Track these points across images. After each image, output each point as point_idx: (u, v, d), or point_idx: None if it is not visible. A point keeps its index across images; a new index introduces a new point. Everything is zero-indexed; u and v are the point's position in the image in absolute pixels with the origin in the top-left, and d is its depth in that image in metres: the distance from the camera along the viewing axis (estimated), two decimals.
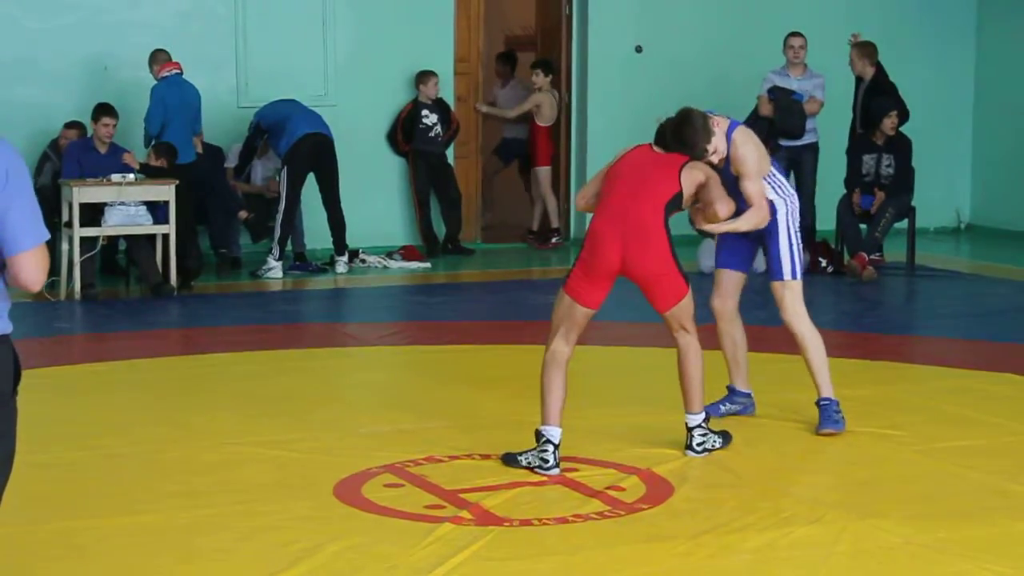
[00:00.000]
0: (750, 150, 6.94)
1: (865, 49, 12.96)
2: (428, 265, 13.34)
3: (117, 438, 7.19)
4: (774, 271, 7.15)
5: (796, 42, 12.99)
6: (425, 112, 13.82)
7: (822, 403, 7.23)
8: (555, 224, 14.54)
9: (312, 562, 5.32)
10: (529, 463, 6.53)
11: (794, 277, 7.12)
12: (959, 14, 15.81)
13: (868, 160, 12.85)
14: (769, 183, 7.07)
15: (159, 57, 12.35)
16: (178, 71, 12.31)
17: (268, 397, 8.11)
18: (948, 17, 15.76)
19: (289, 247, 12.83)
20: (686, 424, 6.80)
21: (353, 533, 5.68)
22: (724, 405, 7.49)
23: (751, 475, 6.57)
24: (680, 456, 6.78)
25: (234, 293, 11.94)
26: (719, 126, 6.88)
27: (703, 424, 6.81)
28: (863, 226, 12.79)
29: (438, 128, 13.84)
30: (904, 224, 13.06)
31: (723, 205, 6.75)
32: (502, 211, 15.44)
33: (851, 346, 9.76)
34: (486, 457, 6.75)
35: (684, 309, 6.66)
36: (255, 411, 7.74)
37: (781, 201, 7.12)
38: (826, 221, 12.88)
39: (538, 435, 6.55)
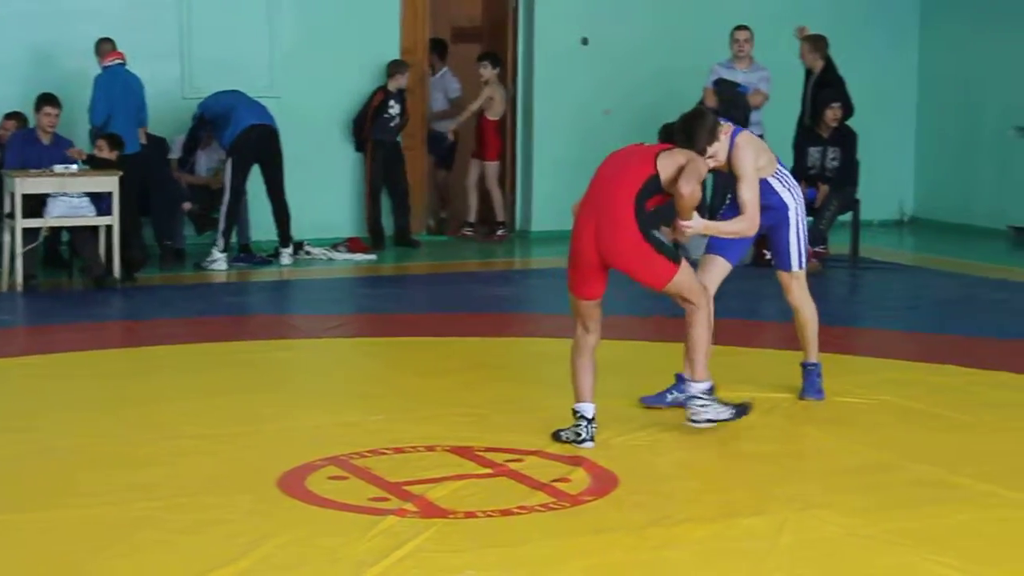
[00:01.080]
0: (748, 154, 7.22)
1: (816, 42, 13.01)
2: (374, 257, 13.31)
3: (59, 430, 7.13)
4: (784, 262, 7.66)
5: (742, 35, 13.04)
6: (391, 102, 13.79)
7: (808, 366, 7.78)
8: (500, 217, 14.51)
9: (256, 555, 5.29)
10: (567, 438, 6.80)
11: (801, 267, 7.65)
12: (903, 9, 15.92)
13: (813, 153, 12.90)
14: (779, 179, 7.48)
15: (103, 47, 12.27)
16: (121, 61, 12.23)
17: (212, 389, 8.06)
18: (892, 12, 15.86)
19: (233, 239, 12.76)
20: (688, 393, 7.03)
21: (297, 525, 5.65)
22: (671, 394, 7.56)
23: (696, 467, 6.58)
24: (625, 447, 6.79)
25: (178, 285, 11.87)
26: (725, 133, 7.17)
27: (704, 396, 6.95)
28: (808, 218, 12.82)
29: (398, 119, 13.83)
30: (848, 217, 13.13)
31: (686, 183, 6.69)
32: (445, 203, 15.34)
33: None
34: (431, 449, 6.74)
35: (680, 284, 6.83)
36: (199, 403, 7.69)
37: (790, 196, 7.54)
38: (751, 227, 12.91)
39: (573, 412, 6.81)
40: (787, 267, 7.66)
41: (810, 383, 7.77)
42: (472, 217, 14.47)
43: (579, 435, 6.76)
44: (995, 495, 6.14)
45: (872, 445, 6.97)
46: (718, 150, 7.11)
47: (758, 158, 7.28)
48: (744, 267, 11.46)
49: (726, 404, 7.02)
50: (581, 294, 6.83)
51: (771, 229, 7.60)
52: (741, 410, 7.08)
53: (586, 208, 6.81)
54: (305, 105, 13.65)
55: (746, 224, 7.19)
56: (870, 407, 7.73)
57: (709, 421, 6.95)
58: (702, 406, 6.94)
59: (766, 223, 7.49)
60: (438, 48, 15.16)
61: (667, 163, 6.75)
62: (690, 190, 6.69)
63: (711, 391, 7.00)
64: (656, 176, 6.73)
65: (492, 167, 14.38)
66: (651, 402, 7.56)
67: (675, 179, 6.73)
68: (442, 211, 15.07)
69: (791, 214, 7.55)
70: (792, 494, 6.13)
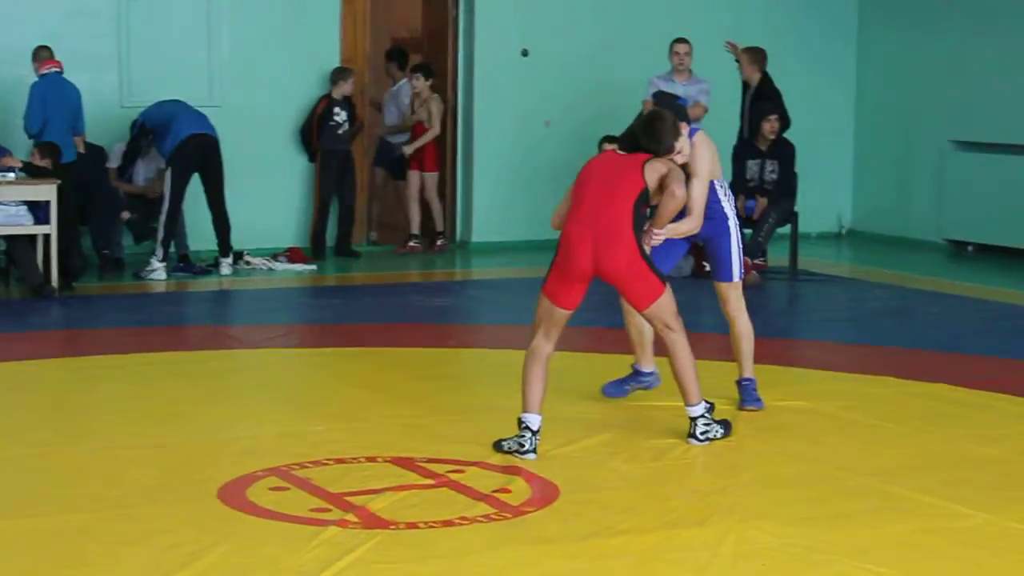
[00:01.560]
0: (705, 152, 7.45)
1: (755, 55, 13.11)
2: (314, 267, 13.28)
3: None
4: (724, 273, 7.76)
5: (681, 48, 13.11)
6: (337, 110, 13.77)
7: (744, 382, 7.87)
8: (440, 228, 14.48)
9: (197, 566, 5.28)
10: (509, 447, 6.83)
11: (740, 278, 7.77)
12: (841, 23, 16.04)
13: (752, 165, 12.99)
14: (722, 187, 7.66)
15: (40, 55, 12.19)
16: (58, 69, 12.15)
17: (152, 400, 8.03)
18: (830, 26, 15.99)
19: (172, 248, 12.71)
20: (688, 415, 7.11)
21: (238, 536, 5.64)
22: (629, 384, 7.96)
23: (637, 478, 6.61)
24: (566, 458, 6.81)
25: (117, 295, 11.80)
26: (683, 129, 7.34)
27: (706, 415, 7.10)
28: (747, 231, 12.92)
29: (346, 127, 13.80)
30: (787, 229, 13.22)
31: (679, 186, 6.86)
32: (390, 214, 15.30)
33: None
34: (372, 460, 6.74)
35: (663, 307, 6.95)
36: (138, 414, 7.66)
37: (730, 206, 7.70)
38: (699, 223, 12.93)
39: (519, 422, 6.84)
40: (727, 278, 7.75)
41: (747, 394, 7.87)
42: (416, 229, 14.39)
43: (522, 446, 6.79)
44: (932, 505, 6.20)
45: (810, 456, 7.02)
46: (683, 145, 7.31)
47: (713, 159, 7.51)
48: (683, 279, 11.55)
49: (717, 422, 7.18)
50: (563, 304, 6.88)
51: (710, 240, 7.72)
52: (727, 426, 7.25)
53: (581, 221, 6.82)
54: (245, 114, 13.61)
55: (695, 222, 7.34)
56: (808, 418, 7.80)
57: (709, 439, 7.11)
58: (706, 425, 7.11)
59: (705, 233, 7.61)
60: (398, 57, 15.00)
61: (652, 175, 6.88)
62: (682, 193, 6.87)
63: (711, 410, 7.17)
64: (646, 188, 6.86)
65: (431, 178, 14.35)
66: (611, 392, 7.94)
67: (658, 190, 6.88)
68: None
69: (730, 224, 7.71)
70: (732, 504, 6.17)
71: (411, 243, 14.30)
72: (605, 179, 6.90)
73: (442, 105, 14.35)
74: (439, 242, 14.41)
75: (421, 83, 14.23)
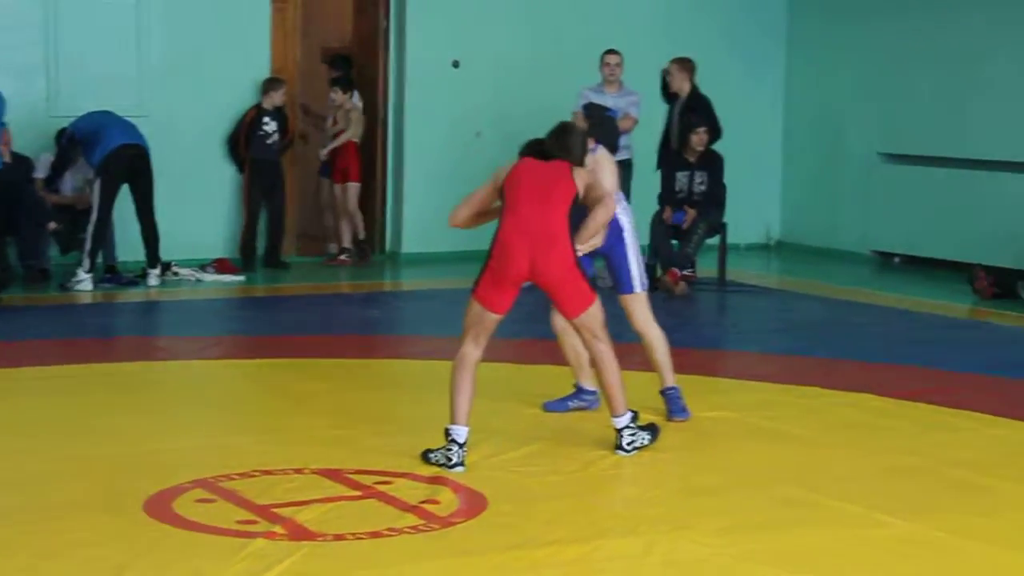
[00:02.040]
0: (607, 167, 7.57)
1: (684, 64, 13.17)
2: (242, 278, 13.21)
3: None
4: (624, 285, 7.72)
5: (612, 59, 13.14)
6: (266, 119, 13.71)
7: (668, 391, 7.87)
8: (362, 237, 14.33)
9: None
10: (436, 460, 6.82)
11: (642, 288, 7.71)
12: (772, 36, 16.16)
13: (681, 177, 13.04)
14: (619, 206, 7.60)
15: None
16: None
17: (77, 412, 7.96)
18: (759, 39, 16.09)
19: (100, 259, 12.61)
20: (614, 427, 7.10)
21: (163, 549, 5.60)
22: (572, 401, 7.97)
23: (565, 488, 6.61)
24: (494, 469, 6.82)
25: (43, 306, 11.69)
26: (592, 142, 7.47)
27: (631, 424, 7.12)
28: (676, 242, 12.99)
29: (275, 137, 13.74)
30: (716, 240, 13.29)
31: (605, 210, 7.05)
32: (318, 225, 15.22)
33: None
34: (299, 471, 6.71)
35: (593, 316, 6.99)
36: (63, 426, 7.60)
37: (626, 219, 7.70)
38: (640, 237, 12.95)
39: (446, 433, 6.84)
40: (628, 290, 7.72)
41: (673, 404, 7.89)
42: (347, 242, 14.27)
43: (449, 459, 6.78)
44: (857, 515, 6.24)
45: (737, 466, 7.06)
46: (588, 160, 7.32)
47: (615, 173, 7.60)
48: (606, 292, 11.57)
49: (643, 428, 7.22)
50: (495, 308, 6.89)
51: (608, 253, 7.70)
52: (655, 431, 7.28)
53: (518, 225, 6.84)
54: (174, 124, 13.53)
55: (607, 208, 7.06)
56: (735, 428, 7.83)
57: (636, 448, 7.12)
58: (632, 435, 7.11)
59: (603, 247, 7.57)
60: (342, 65, 14.83)
61: (580, 181, 6.99)
62: (612, 205, 7.09)
63: (635, 419, 7.19)
64: (578, 194, 6.95)
65: (354, 188, 14.22)
66: (553, 407, 7.95)
67: (585, 195, 7.00)
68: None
69: (626, 235, 7.72)
70: (659, 515, 6.19)
71: (342, 256, 14.21)
72: (537, 184, 6.93)
73: (363, 116, 14.27)
74: (342, 256, 14.21)
75: (340, 96, 14.15)
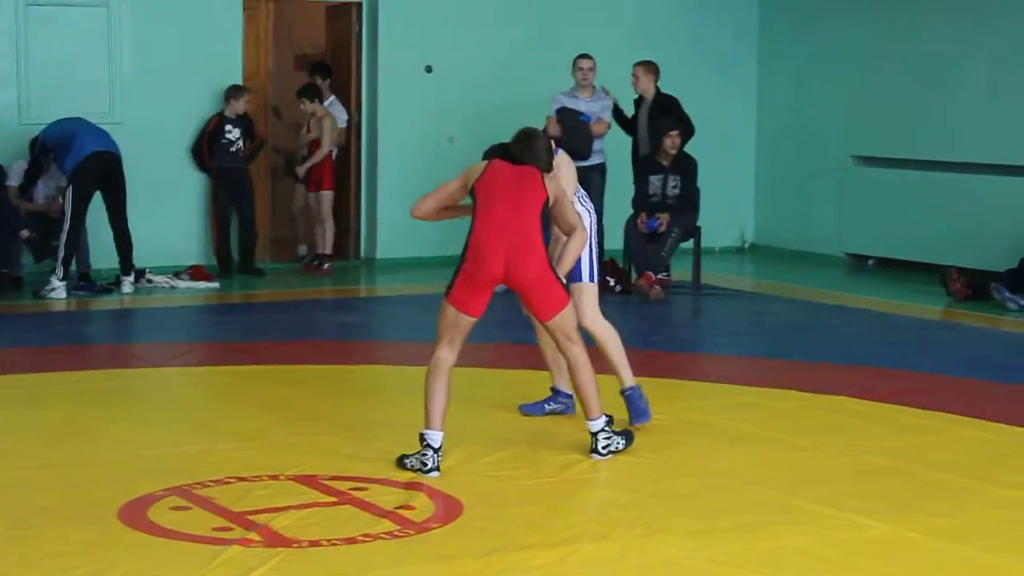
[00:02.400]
0: (567, 172, 7.44)
1: (648, 67, 13.19)
2: (216, 285, 13.19)
3: None
4: (573, 274, 7.48)
5: (585, 64, 13.14)
6: (228, 127, 13.68)
7: (627, 392, 7.67)
8: (329, 250, 14.17)
9: None
10: (412, 465, 6.81)
11: (591, 280, 7.57)
12: (744, 39, 16.19)
13: (655, 181, 13.06)
14: (579, 198, 7.57)
15: None
16: None
17: (51, 420, 7.94)
18: (731, 43, 16.13)
19: (73, 267, 12.57)
20: (589, 430, 7.11)
21: (138, 557, 5.58)
22: (548, 404, 7.95)
23: (540, 492, 6.62)
24: (470, 474, 6.81)
25: (15, 314, 11.65)
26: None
27: (606, 428, 7.12)
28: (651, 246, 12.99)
29: (240, 144, 13.69)
30: (690, 244, 13.31)
31: (580, 225, 7.12)
32: (290, 230, 15.18)
33: (637, 364, 9.81)
34: (275, 478, 6.70)
35: (567, 319, 7.02)
36: (37, 434, 7.58)
37: (584, 211, 7.57)
38: (614, 241, 13.01)
39: (421, 438, 6.83)
40: (577, 278, 7.51)
41: (634, 408, 7.71)
42: (329, 248, 14.16)
43: (425, 464, 6.78)
44: (832, 517, 6.26)
45: (712, 469, 7.06)
46: (558, 161, 7.31)
47: (575, 177, 7.54)
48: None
49: (618, 433, 7.21)
50: (470, 311, 6.88)
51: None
52: (629, 436, 7.29)
53: (493, 228, 6.85)
54: (147, 131, 13.50)
55: (581, 239, 7.11)
56: (710, 431, 7.84)
57: (611, 452, 7.13)
58: (607, 439, 7.12)
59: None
60: (321, 72, 14.65)
61: (551, 187, 7.01)
62: (584, 233, 7.14)
63: (610, 423, 7.18)
64: (547, 199, 6.97)
65: (328, 197, 14.15)
66: (529, 411, 7.95)
67: (554, 216, 7.07)
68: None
69: (585, 223, 7.52)
70: (635, 518, 6.19)
71: (325, 267, 14.06)
72: (510, 188, 6.94)
73: (335, 124, 14.21)
74: (325, 265, 14.06)
75: (309, 105, 14.04)
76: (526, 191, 6.94)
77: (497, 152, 7.17)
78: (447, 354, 6.92)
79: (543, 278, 6.93)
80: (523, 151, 7.05)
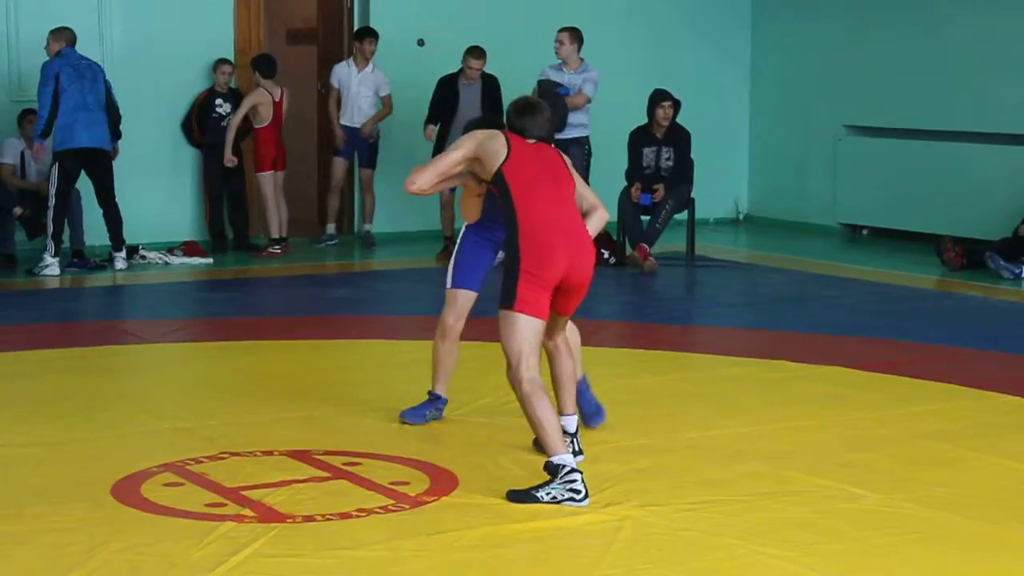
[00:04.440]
0: (479, 141, 6.70)
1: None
2: (210, 261, 13.16)
3: None
4: None
5: (559, 36, 12.98)
6: (219, 101, 13.63)
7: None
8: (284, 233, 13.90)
9: (91, 564, 5.20)
10: (560, 497, 5.97)
11: None
12: (736, 8, 16.16)
13: (648, 153, 13.03)
14: None
15: None
16: None
17: (44, 397, 7.93)
18: (726, 11, 16.10)
19: (67, 244, 12.54)
20: (567, 428, 6.52)
21: (132, 533, 5.57)
22: (429, 411, 7.33)
23: (534, 467, 6.59)
24: (464, 448, 6.81)
25: (9, 291, 11.63)
26: None
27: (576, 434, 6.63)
28: (645, 218, 12.98)
29: (230, 118, 13.63)
30: (684, 215, 13.29)
31: (601, 218, 6.62)
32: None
33: (633, 336, 9.91)
34: (268, 453, 6.69)
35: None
36: (30, 411, 7.56)
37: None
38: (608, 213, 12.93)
39: (556, 468, 6.00)
40: None
41: (586, 404, 7.13)
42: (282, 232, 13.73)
43: (577, 492, 5.97)
44: (826, 487, 6.25)
45: (705, 441, 7.06)
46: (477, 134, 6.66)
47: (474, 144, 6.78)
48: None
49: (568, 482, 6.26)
50: (543, 314, 6.14)
51: (502, 242, 6.81)
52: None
53: (557, 226, 6.18)
54: (139, 106, 13.44)
55: (603, 218, 6.63)
56: (704, 403, 7.85)
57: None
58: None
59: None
60: (364, 36, 13.86)
61: (574, 174, 6.51)
62: (604, 220, 6.64)
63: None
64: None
65: (265, 178, 13.69)
66: (410, 417, 7.30)
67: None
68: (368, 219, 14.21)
69: None
70: (628, 491, 6.17)
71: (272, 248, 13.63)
72: (547, 176, 6.33)
73: (270, 100, 13.69)
74: (279, 248, 13.67)
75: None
76: (561, 180, 6.38)
77: (495, 125, 6.63)
78: (537, 372, 6.14)
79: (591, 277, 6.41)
80: (529, 122, 6.40)
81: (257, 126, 13.65)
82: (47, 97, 12.15)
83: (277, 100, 13.65)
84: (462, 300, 7.14)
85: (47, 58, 12.41)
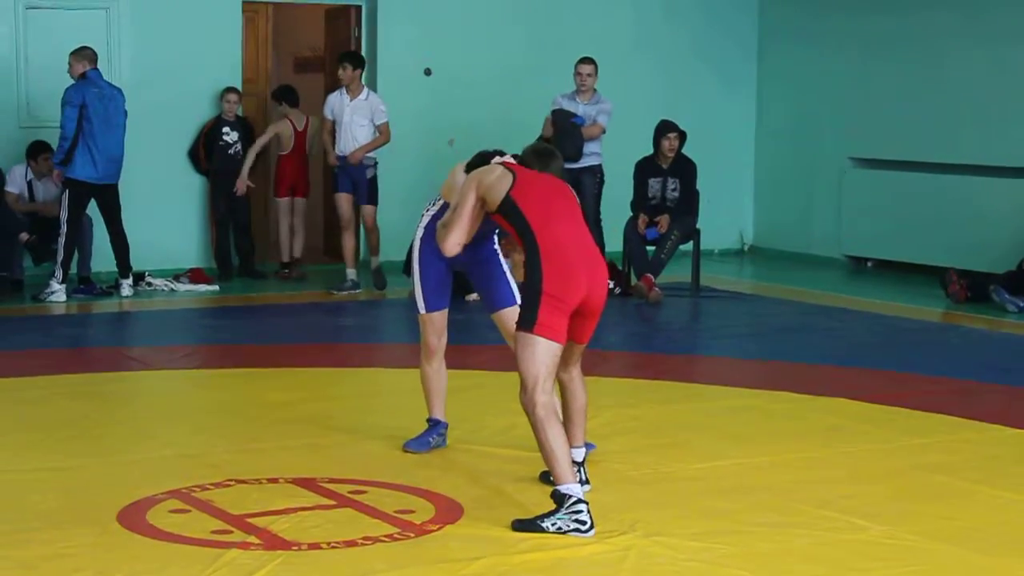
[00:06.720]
0: (461, 180, 6.78)
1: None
2: (216, 288, 13.19)
3: None
4: (506, 297, 7.00)
5: (584, 69, 13.10)
6: (226, 129, 13.69)
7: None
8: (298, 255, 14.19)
9: None
10: (564, 528, 5.97)
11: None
12: (743, 41, 16.20)
13: (654, 183, 13.06)
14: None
15: None
16: None
17: (51, 423, 7.94)
18: (732, 43, 16.14)
19: (73, 270, 12.57)
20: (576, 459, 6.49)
21: (138, 560, 5.58)
22: (432, 438, 7.34)
23: (540, 496, 6.60)
24: (470, 477, 6.81)
25: (16, 317, 11.66)
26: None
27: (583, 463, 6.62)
28: (650, 248, 13.00)
29: (238, 147, 13.69)
30: (690, 246, 13.31)
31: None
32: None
33: (638, 366, 9.92)
34: (273, 481, 6.70)
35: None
36: (37, 437, 7.57)
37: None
38: (614, 243, 13.01)
39: (561, 498, 6.02)
40: (512, 302, 6.95)
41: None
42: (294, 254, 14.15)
43: (583, 524, 5.98)
44: (831, 519, 6.26)
45: (710, 472, 7.06)
46: (454, 172, 6.92)
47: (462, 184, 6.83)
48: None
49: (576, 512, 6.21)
50: (562, 338, 6.10)
51: (480, 264, 7.08)
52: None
53: (576, 250, 6.15)
54: (147, 134, 13.49)
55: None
56: (708, 433, 7.85)
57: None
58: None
59: (469, 257, 6.93)
60: (353, 61, 13.25)
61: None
62: None
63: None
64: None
65: (284, 204, 14.13)
66: (414, 447, 7.29)
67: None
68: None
69: (499, 245, 7.18)
70: (634, 521, 6.18)
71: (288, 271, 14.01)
72: (560, 200, 6.28)
73: (291, 128, 14.08)
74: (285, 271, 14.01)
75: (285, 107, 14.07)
76: (571, 199, 6.37)
77: (485, 159, 6.65)
78: (553, 397, 6.15)
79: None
80: (542, 168, 6.45)
81: (279, 153, 13.99)
82: (72, 124, 12.16)
83: (300, 129, 13.91)
84: (438, 320, 7.23)
85: (60, 83, 12.43)
